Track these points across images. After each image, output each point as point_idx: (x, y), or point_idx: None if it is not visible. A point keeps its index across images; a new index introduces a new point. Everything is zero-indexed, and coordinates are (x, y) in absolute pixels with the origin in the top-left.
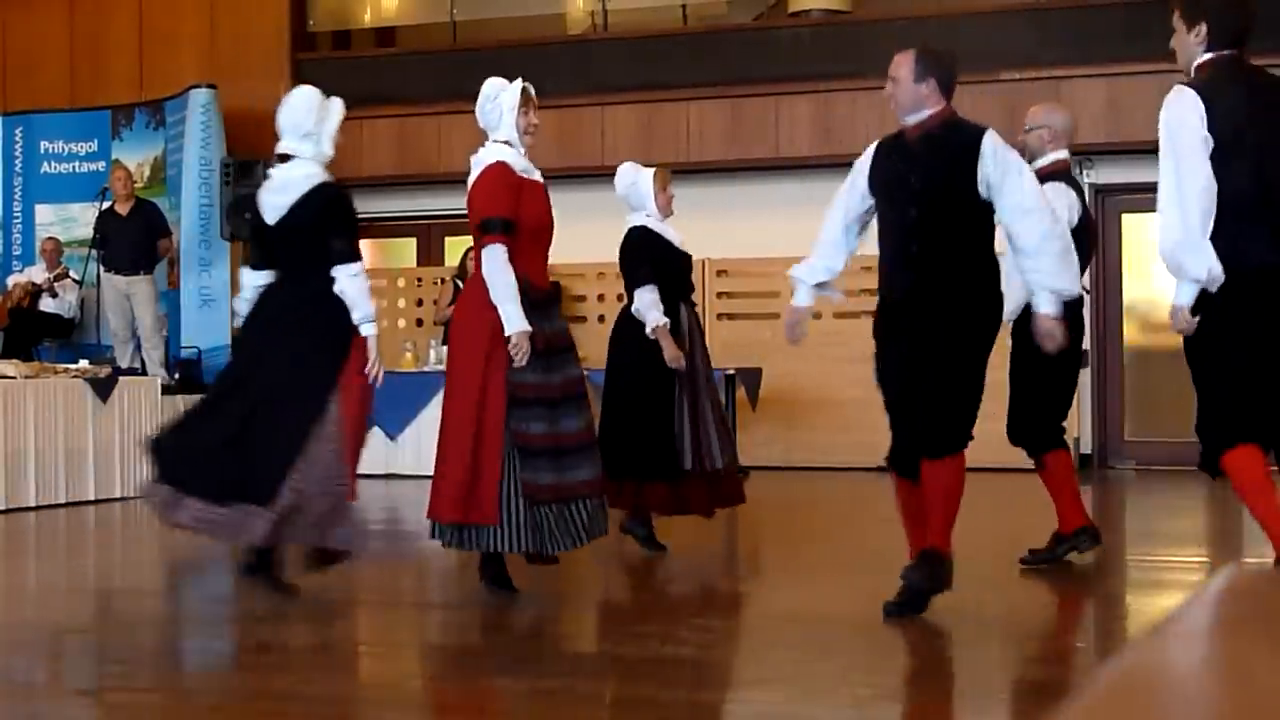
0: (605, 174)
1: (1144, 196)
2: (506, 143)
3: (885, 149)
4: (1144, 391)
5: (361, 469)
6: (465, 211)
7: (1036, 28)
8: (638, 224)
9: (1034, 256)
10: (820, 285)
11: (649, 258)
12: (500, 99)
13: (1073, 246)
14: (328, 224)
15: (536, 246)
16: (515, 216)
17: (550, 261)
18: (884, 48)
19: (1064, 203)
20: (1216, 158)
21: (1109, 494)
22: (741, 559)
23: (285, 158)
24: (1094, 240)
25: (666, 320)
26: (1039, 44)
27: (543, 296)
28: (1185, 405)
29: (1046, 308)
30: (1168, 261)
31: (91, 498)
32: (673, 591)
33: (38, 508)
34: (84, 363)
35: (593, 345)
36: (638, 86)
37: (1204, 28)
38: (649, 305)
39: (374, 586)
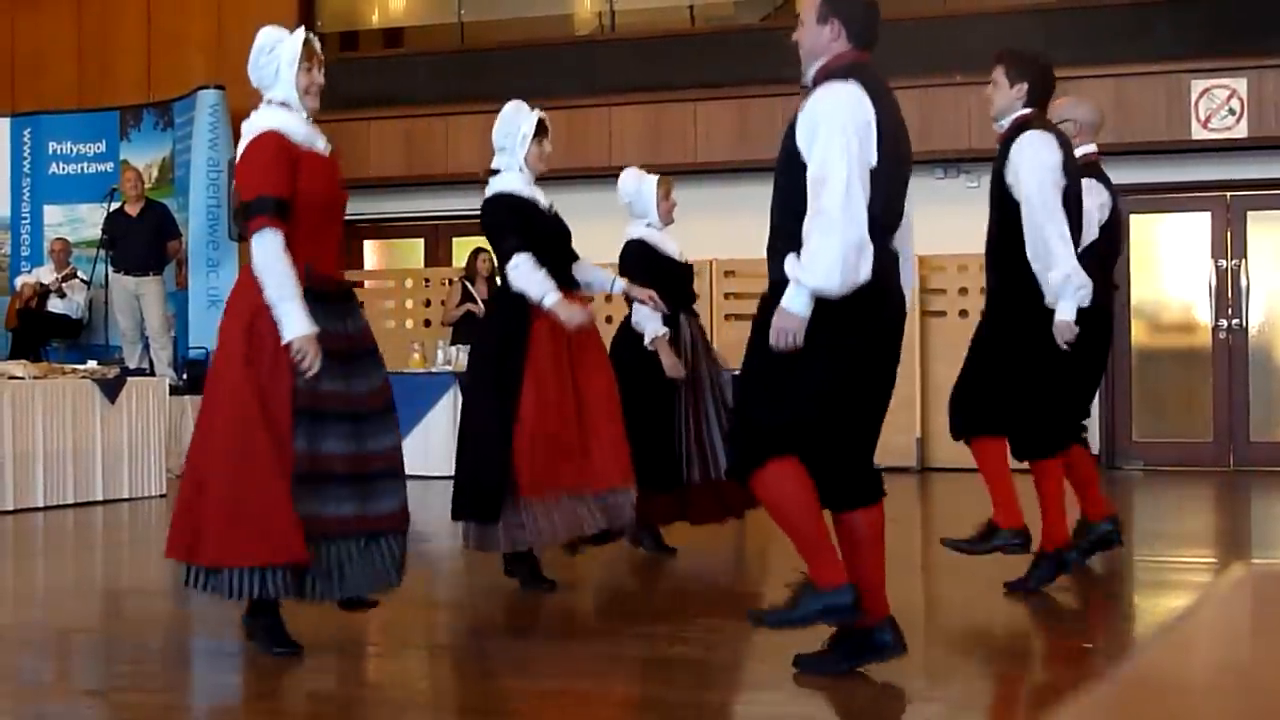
0: (612, 175)
1: (1150, 197)
2: (284, 104)
3: None
4: (1151, 392)
5: None
6: (473, 212)
7: (1044, 28)
8: (635, 236)
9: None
10: None
11: (646, 270)
12: (277, 51)
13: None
14: None
15: (323, 230)
16: (289, 195)
17: None
18: (890, 48)
19: (1095, 201)
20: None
21: (1116, 494)
22: (749, 559)
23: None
24: (1117, 237)
25: (666, 330)
26: (1046, 44)
27: (335, 289)
28: (1192, 406)
29: (786, 301)
30: (1061, 286)
31: (99, 498)
32: (680, 592)
33: (46, 508)
34: (92, 363)
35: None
36: (644, 87)
37: (1025, 87)
38: (646, 317)
39: None
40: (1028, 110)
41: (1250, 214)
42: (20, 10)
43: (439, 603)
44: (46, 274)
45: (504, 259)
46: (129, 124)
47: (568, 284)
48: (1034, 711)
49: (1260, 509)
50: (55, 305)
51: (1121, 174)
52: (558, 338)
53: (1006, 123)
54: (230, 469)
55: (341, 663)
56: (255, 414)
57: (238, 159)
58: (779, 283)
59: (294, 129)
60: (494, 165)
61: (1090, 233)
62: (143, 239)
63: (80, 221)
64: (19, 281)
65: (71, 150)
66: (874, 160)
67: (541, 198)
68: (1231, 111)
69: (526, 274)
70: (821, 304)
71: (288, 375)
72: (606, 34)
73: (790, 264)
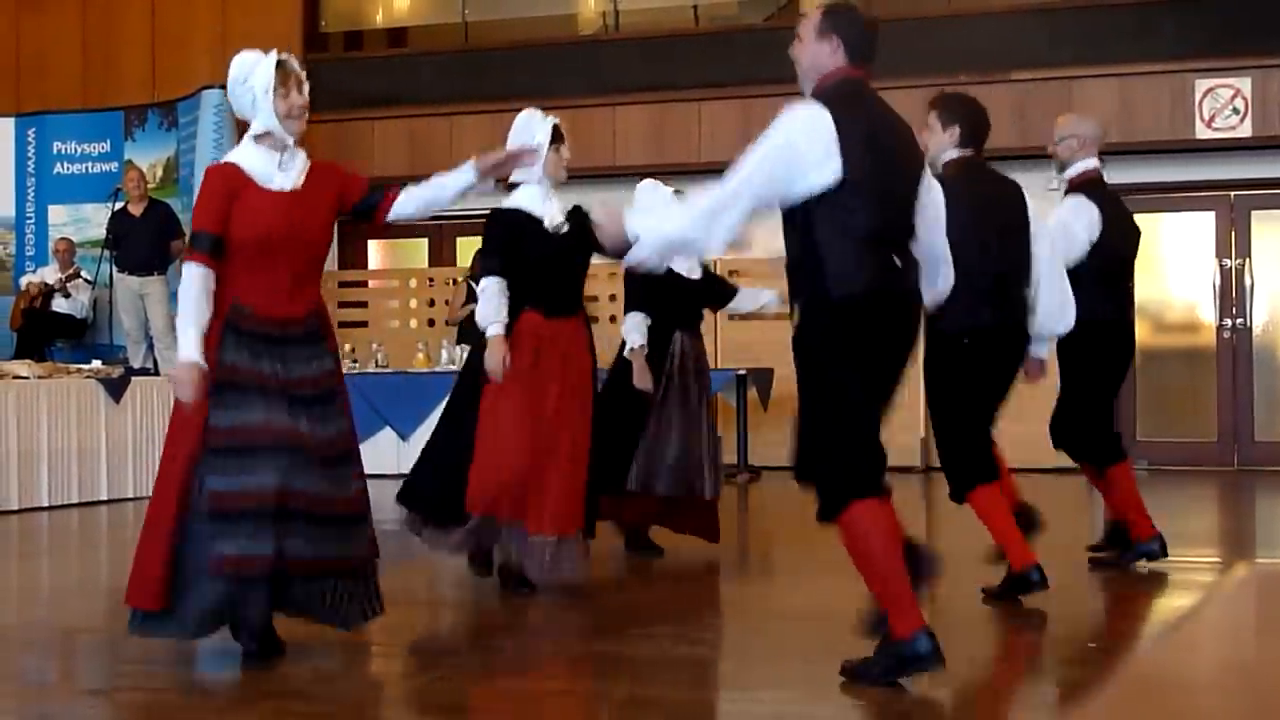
0: (616, 174)
1: (1154, 197)
2: (267, 134)
3: None
4: (1156, 392)
5: (373, 470)
6: (477, 212)
7: (1047, 28)
8: None
9: None
10: None
11: (641, 284)
12: (250, 81)
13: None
14: None
15: (262, 267)
16: (220, 229)
17: None
18: (894, 49)
19: (1082, 221)
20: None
21: None
22: (752, 559)
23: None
24: (1121, 251)
25: (643, 345)
26: (1050, 45)
27: (271, 329)
28: (1197, 405)
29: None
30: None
31: (104, 497)
32: (684, 592)
33: (51, 508)
34: (97, 363)
35: (604, 346)
36: (649, 87)
37: (957, 130)
38: (630, 329)
39: (384, 586)
40: (958, 153)
41: (1254, 213)
42: (25, 10)
43: (441, 603)
44: (51, 274)
45: (480, 274)
46: (133, 124)
47: (567, 308)
48: (1039, 711)
49: (1265, 508)
50: (60, 305)
51: (1126, 173)
52: (541, 356)
53: (940, 165)
54: (149, 510)
55: (344, 662)
56: (169, 452)
57: None
58: (803, 312)
59: (254, 164)
60: (513, 177)
61: (1073, 252)
62: (146, 239)
63: (85, 221)
64: (24, 281)
65: (76, 150)
66: (822, 183)
67: (555, 212)
68: (1235, 111)
69: (486, 297)
70: (833, 320)
71: (202, 409)
72: (610, 34)
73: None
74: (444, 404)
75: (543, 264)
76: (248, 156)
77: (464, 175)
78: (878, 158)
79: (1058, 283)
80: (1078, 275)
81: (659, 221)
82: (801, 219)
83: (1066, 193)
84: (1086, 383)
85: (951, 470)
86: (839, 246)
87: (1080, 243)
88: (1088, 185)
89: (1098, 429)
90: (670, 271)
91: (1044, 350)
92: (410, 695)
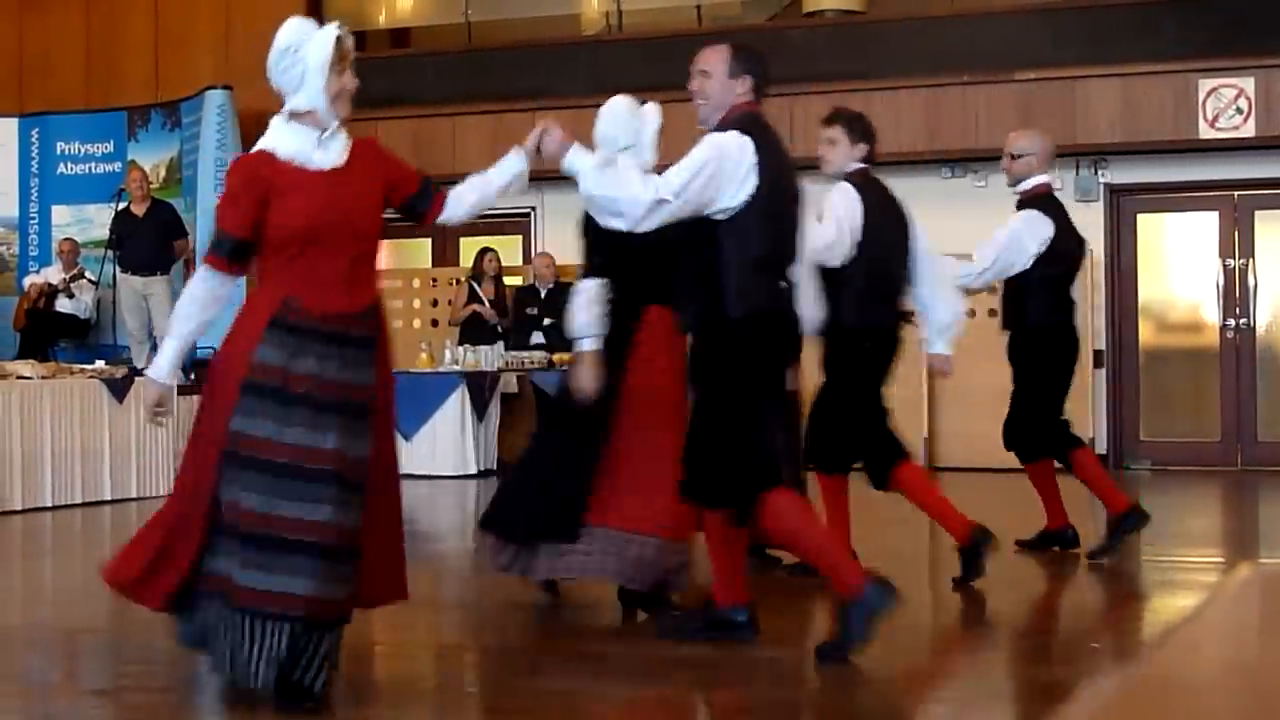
0: None
1: (1157, 197)
2: (309, 113)
3: None
4: (1159, 391)
5: None
6: (481, 213)
7: (1050, 28)
8: None
9: None
10: None
11: None
12: (302, 53)
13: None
14: None
15: (311, 257)
16: (246, 232)
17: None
18: (898, 48)
19: (1036, 236)
20: (864, 238)
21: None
22: (751, 560)
23: None
24: (1070, 261)
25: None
26: (1053, 44)
27: (326, 327)
28: (1200, 405)
29: (571, 158)
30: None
31: (108, 498)
32: (683, 592)
33: (54, 508)
34: (100, 363)
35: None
36: (651, 87)
37: (864, 146)
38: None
39: None
40: (860, 165)
41: (1258, 213)
42: (28, 11)
43: (445, 603)
44: (54, 274)
45: (582, 273)
46: (136, 124)
47: (665, 296)
48: (1042, 711)
49: (1268, 509)
50: (63, 305)
51: (1129, 173)
52: (659, 356)
53: (843, 175)
54: (168, 502)
55: (347, 662)
56: (191, 456)
57: None
58: (698, 329)
59: (289, 144)
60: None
61: (1018, 263)
62: (149, 239)
63: (88, 222)
64: (27, 282)
65: (79, 150)
66: (735, 202)
67: None
68: (1239, 110)
69: (580, 304)
70: (730, 338)
71: (223, 416)
72: (613, 34)
73: (600, 160)
74: (546, 419)
75: (645, 253)
76: (281, 137)
77: (512, 164)
78: (777, 185)
79: (944, 273)
80: (1028, 284)
81: (603, 180)
82: (706, 237)
83: (1020, 206)
84: (1038, 385)
85: (868, 461)
86: (738, 266)
87: (1028, 254)
88: (1039, 200)
89: (1048, 424)
90: None
91: (944, 346)
92: (412, 694)
